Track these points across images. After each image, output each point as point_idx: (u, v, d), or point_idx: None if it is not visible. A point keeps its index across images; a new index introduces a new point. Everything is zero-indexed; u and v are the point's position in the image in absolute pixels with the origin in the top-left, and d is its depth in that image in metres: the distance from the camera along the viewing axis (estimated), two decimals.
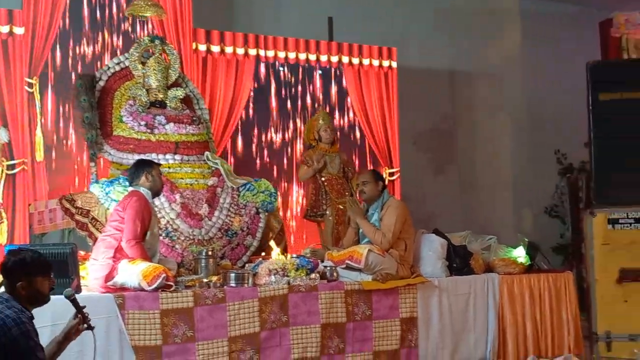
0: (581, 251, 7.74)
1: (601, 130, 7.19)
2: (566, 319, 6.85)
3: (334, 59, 7.81)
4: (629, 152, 7.13)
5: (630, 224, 7.02)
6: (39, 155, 6.76)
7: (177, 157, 6.71)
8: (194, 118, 6.90)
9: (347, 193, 7.36)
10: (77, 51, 7.13)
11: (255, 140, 7.81)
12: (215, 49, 7.43)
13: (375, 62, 7.96)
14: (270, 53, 7.57)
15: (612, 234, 7.04)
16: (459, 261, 6.78)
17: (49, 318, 4.84)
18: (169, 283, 5.51)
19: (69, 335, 4.18)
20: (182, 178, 6.60)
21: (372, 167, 7.85)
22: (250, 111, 7.76)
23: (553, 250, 9.32)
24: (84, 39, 7.16)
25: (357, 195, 7.11)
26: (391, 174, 8.08)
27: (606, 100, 7.19)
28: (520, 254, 7.05)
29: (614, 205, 7.09)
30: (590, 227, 7.09)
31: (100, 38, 7.22)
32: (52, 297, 4.04)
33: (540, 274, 6.96)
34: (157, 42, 6.96)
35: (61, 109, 7.04)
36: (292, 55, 7.63)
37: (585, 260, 7.35)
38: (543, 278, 6.88)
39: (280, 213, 7.53)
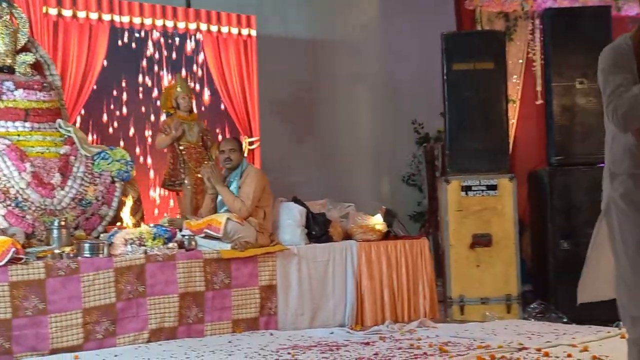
0: (437, 218, 7.95)
1: (454, 99, 7.40)
2: (422, 284, 7.03)
3: (192, 26, 7.68)
4: (480, 121, 7.36)
5: (482, 190, 7.26)
6: None
7: (27, 124, 6.44)
8: (45, 84, 6.64)
9: (206, 162, 7.28)
10: None
11: (110, 108, 7.59)
12: (67, 13, 7.15)
13: (234, 30, 7.88)
14: (126, 19, 7.36)
15: (465, 200, 7.27)
16: (317, 229, 6.85)
17: None
18: (19, 256, 5.33)
19: None
20: (32, 146, 6.34)
21: (232, 136, 7.79)
22: (105, 78, 7.53)
23: (410, 217, 9.52)
24: None
25: (218, 163, 7.07)
26: (251, 143, 8.05)
27: (459, 70, 7.39)
28: (377, 221, 7.17)
29: (467, 173, 7.31)
30: (445, 194, 7.30)
31: None
32: None
33: (397, 240, 7.11)
34: (3, 4, 6.64)
35: None
36: (148, 22, 7.45)
37: (440, 226, 7.56)
38: (400, 244, 7.04)
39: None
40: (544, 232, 7.50)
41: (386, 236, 7.17)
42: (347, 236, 7.03)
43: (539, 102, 8.98)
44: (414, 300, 7.01)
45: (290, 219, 6.78)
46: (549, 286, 7.47)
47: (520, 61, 9.25)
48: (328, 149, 9.68)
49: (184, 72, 7.86)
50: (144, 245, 5.89)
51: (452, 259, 7.24)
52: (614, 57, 3.30)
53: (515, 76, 9.13)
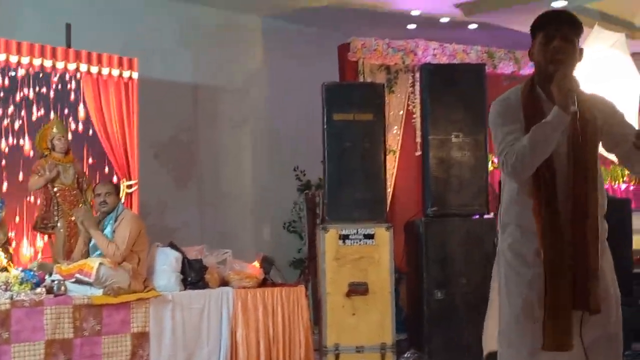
0: (317, 265, 7.98)
1: (334, 149, 7.49)
2: (298, 332, 7.01)
3: (72, 66, 7.52)
4: (359, 171, 7.46)
5: (360, 239, 7.33)
6: None
7: None
8: None
9: (80, 205, 7.12)
10: None
11: None
12: None
13: (116, 72, 7.76)
14: (2, 57, 7.17)
15: (343, 249, 7.33)
16: (193, 275, 6.77)
17: None
18: None
19: None
20: None
21: (109, 179, 7.65)
22: None
23: (290, 264, 9.53)
24: None
25: (93, 206, 6.93)
26: (129, 187, 7.91)
27: (339, 120, 7.49)
28: (255, 268, 7.14)
29: (345, 222, 7.38)
30: (323, 242, 7.34)
31: None
32: None
33: (275, 287, 7.09)
34: None
35: None
36: (25, 61, 7.26)
37: (318, 274, 7.58)
38: (277, 292, 7.01)
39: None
40: (419, 282, 7.61)
41: (263, 283, 7.14)
42: (224, 283, 6.97)
43: (418, 153, 9.19)
44: (289, 348, 6.98)
45: (166, 265, 6.69)
46: (423, 335, 7.57)
47: (401, 113, 9.49)
48: (209, 193, 9.63)
49: (61, 113, 7.69)
50: (10, 291, 5.69)
51: (328, 306, 7.26)
52: (503, 108, 3.37)
53: (396, 127, 9.35)
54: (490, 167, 8.55)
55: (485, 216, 7.67)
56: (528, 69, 9.98)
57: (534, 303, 3.24)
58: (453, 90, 7.61)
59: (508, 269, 3.35)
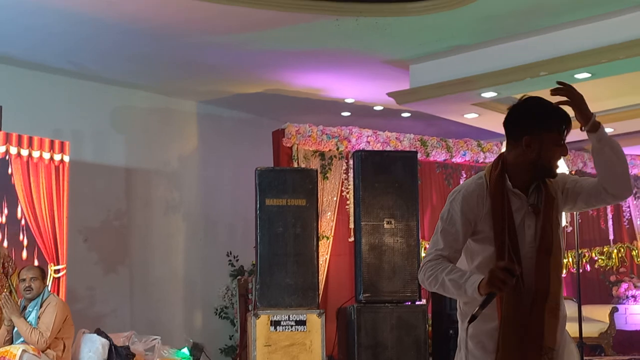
0: (247, 353, 7.86)
1: (267, 234, 7.46)
2: None
3: (1, 149, 7.45)
4: (291, 257, 7.43)
5: (291, 325, 7.25)
6: None
7: None
8: None
9: (5, 290, 6.93)
10: None
11: None
12: None
13: (47, 155, 7.69)
14: None
15: (274, 335, 7.24)
16: None
17: None
18: None
19: None
20: None
21: (37, 263, 7.49)
22: None
23: (222, 351, 9.38)
24: None
25: (19, 291, 6.74)
26: (57, 271, 7.75)
27: (272, 206, 7.49)
28: (184, 355, 7.01)
29: (277, 308, 7.31)
30: (254, 328, 7.24)
31: None
32: None
33: None
34: None
35: None
36: None
37: None
38: None
39: None
40: None
41: None
42: None
43: (351, 239, 9.21)
44: None
45: (92, 352, 6.53)
46: None
47: (335, 199, 9.53)
48: (140, 278, 9.49)
49: None
50: None
51: None
52: (461, 206, 3.27)
53: (329, 213, 9.37)
54: (423, 254, 8.61)
55: (417, 302, 7.68)
56: (460, 157, 10.19)
57: None
58: (385, 177, 7.68)
59: (471, 358, 3.30)
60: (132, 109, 9.62)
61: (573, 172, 9.60)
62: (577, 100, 3.16)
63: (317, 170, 8.14)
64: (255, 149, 9.73)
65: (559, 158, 3.21)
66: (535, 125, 3.19)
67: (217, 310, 9.65)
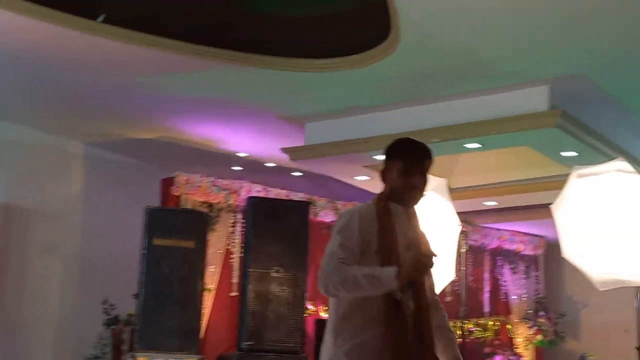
0: None
1: (152, 274, 7.30)
2: None
3: None
4: (175, 299, 7.27)
5: None
6: None
7: None
8: None
9: None
10: None
11: None
12: None
13: None
14: None
15: None
16: None
17: None
18: None
19: None
20: None
21: None
22: None
23: None
24: None
25: None
26: None
27: (160, 246, 7.34)
28: None
29: (156, 350, 7.11)
30: None
31: None
32: None
33: None
34: None
35: None
36: None
37: None
38: None
39: None
40: None
41: None
42: None
43: (234, 294, 9.10)
44: None
45: None
46: None
47: (220, 252, 9.41)
48: (9, 322, 9.04)
49: None
50: None
51: None
52: (353, 219, 3.43)
53: (214, 265, 9.23)
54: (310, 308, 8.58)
55: (300, 354, 7.59)
56: None
57: None
58: (277, 225, 7.67)
59: None
60: (16, 145, 9.29)
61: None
62: None
63: (208, 214, 8.05)
64: (143, 196, 9.49)
65: (410, 186, 3.45)
66: (387, 157, 3.59)
67: (88, 359, 9.25)
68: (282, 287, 7.57)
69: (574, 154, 8.16)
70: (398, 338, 3.27)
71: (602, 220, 5.77)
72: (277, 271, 7.58)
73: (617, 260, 5.82)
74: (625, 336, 10.06)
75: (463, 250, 7.21)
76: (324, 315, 9.37)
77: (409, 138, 3.63)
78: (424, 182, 3.49)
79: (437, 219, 6.80)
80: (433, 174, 8.24)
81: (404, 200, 3.51)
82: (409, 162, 3.48)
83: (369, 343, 3.30)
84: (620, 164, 5.88)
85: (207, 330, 8.61)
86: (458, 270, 6.93)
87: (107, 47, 6.87)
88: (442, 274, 6.63)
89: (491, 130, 8.08)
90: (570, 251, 5.97)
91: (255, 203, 7.82)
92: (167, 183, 9.37)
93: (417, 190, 3.47)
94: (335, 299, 3.42)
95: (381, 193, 3.56)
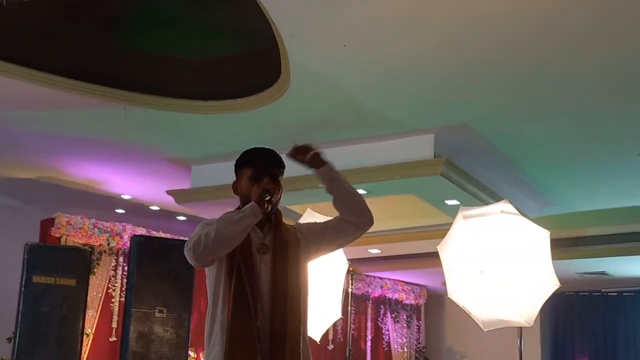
0: None
1: (30, 312, 7.05)
2: None
3: None
4: (54, 338, 7.04)
5: None
6: None
7: None
8: None
9: None
10: None
11: None
12: None
13: None
14: None
15: None
16: None
17: None
18: None
19: None
20: None
21: None
22: None
23: None
24: None
25: None
26: None
27: (40, 283, 7.09)
28: None
29: None
30: None
31: None
32: None
33: None
34: None
35: None
36: None
37: None
38: None
39: None
40: None
41: None
42: None
43: (113, 339, 8.86)
44: None
45: None
46: None
47: (100, 295, 9.16)
48: None
49: None
50: None
51: None
52: (205, 221, 3.42)
53: (92, 310, 8.96)
54: (191, 355, 8.42)
55: None
56: None
57: None
58: (162, 265, 7.52)
59: None
60: None
61: None
62: (306, 150, 3.48)
63: (91, 251, 7.84)
64: (21, 237, 9.17)
65: (261, 192, 3.34)
66: (236, 168, 3.54)
67: None
68: (166, 327, 7.41)
69: (456, 202, 8.34)
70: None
71: (487, 260, 5.87)
72: (161, 311, 7.42)
73: (501, 301, 5.92)
74: None
75: (350, 290, 7.23)
76: None
77: (257, 147, 3.58)
78: (276, 186, 3.40)
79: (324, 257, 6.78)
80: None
81: None
82: (257, 168, 3.43)
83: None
84: (505, 206, 6.01)
85: None
86: (344, 310, 6.93)
87: None
88: (329, 312, 6.62)
89: (377, 177, 8.19)
90: (455, 291, 6.04)
91: (140, 242, 7.66)
92: (47, 224, 9.09)
93: (268, 198, 3.35)
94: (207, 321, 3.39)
95: (236, 208, 3.48)
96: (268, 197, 3.31)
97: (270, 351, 3.25)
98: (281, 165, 3.50)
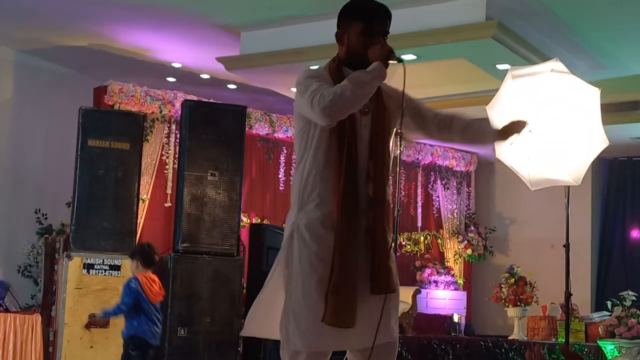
0: (50, 314, 7.55)
1: (87, 176, 7.23)
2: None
3: None
4: (110, 201, 7.23)
5: (105, 270, 7.05)
6: None
7: None
8: None
9: None
10: None
11: None
12: None
13: None
14: None
15: (86, 278, 7.02)
16: None
17: None
18: None
19: None
20: None
21: None
22: None
23: (23, 310, 8.90)
24: None
25: None
26: None
27: (95, 147, 7.26)
28: None
29: (92, 251, 7.08)
30: (65, 270, 6.97)
31: None
32: None
33: (8, 314, 6.61)
34: None
35: None
36: None
37: (57, 305, 7.16)
38: (10, 318, 6.55)
39: None
40: (164, 319, 7.37)
41: None
42: None
43: (168, 204, 9.08)
44: None
45: None
46: None
47: (154, 163, 9.33)
48: None
49: None
50: None
51: (65, 337, 6.82)
52: (315, 73, 3.35)
53: (147, 177, 9.15)
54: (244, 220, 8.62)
55: (235, 257, 7.63)
56: (282, 133, 10.31)
57: (325, 279, 3.20)
58: (213, 128, 7.62)
59: (303, 247, 3.25)
60: None
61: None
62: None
63: (145, 115, 7.95)
64: (74, 106, 9.33)
65: (387, 53, 3.24)
66: (343, 18, 3.37)
67: (20, 268, 9.17)
68: (218, 190, 7.56)
69: (508, 66, 8.23)
70: (344, 223, 3.25)
71: (536, 119, 5.83)
72: (213, 175, 7.55)
73: (549, 159, 5.92)
74: (551, 251, 10.39)
75: (399, 152, 7.27)
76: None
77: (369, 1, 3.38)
78: (389, 49, 3.28)
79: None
80: None
81: (364, 66, 3.25)
82: (371, 25, 3.30)
83: (326, 221, 3.27)
84: (555, 64, 5.93)
85: (141, 234, 8.60)
86: (393, 172, 6.98)
87: None
88: None
89: (427, 41, 8.10)
90: (503, 151, 6.04)
91: (191, 106, 7.74)
92: (100, 92, 9.21)
93: (393, 54, 3.27)
94: (297, 169, 3.40)
95: (335, 56, 3.42)
96: (394, 59, 3.24)
97: (373, 215, 3.30)
98: (390, 21, 3.38)
